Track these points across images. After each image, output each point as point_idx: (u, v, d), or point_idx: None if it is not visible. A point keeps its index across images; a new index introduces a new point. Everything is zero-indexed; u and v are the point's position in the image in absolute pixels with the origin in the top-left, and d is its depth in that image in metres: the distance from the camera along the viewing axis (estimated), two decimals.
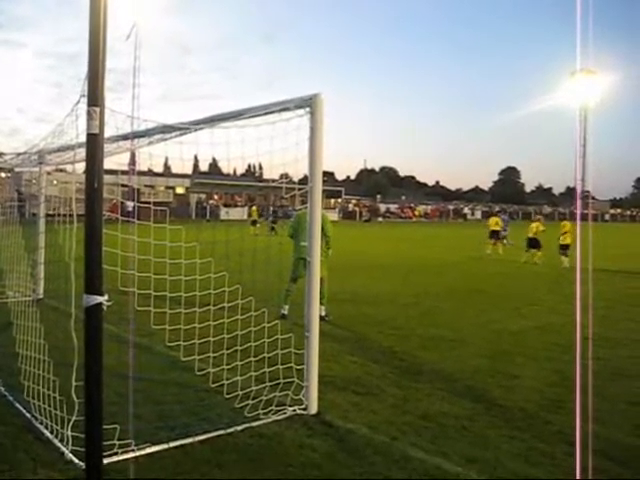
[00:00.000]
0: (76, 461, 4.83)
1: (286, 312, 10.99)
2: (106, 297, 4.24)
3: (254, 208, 46.20)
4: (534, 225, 24.87)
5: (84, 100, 4.28)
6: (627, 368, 8.27)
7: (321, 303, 9.18)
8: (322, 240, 9.58)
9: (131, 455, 5.01)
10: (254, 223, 38.98)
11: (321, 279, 8.97)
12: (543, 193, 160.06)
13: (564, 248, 22.75)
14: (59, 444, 5.15)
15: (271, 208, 57.12)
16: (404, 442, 5.56)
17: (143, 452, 5.08)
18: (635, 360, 8.79)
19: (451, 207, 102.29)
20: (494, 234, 29.49)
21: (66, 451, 5.01)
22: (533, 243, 24.36)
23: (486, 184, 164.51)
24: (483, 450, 5.42)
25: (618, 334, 10.42)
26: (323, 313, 10.71)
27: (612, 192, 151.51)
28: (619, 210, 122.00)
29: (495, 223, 30.10)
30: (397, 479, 4.83)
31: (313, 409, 6.30)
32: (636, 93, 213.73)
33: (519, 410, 6.52)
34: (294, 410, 6.21)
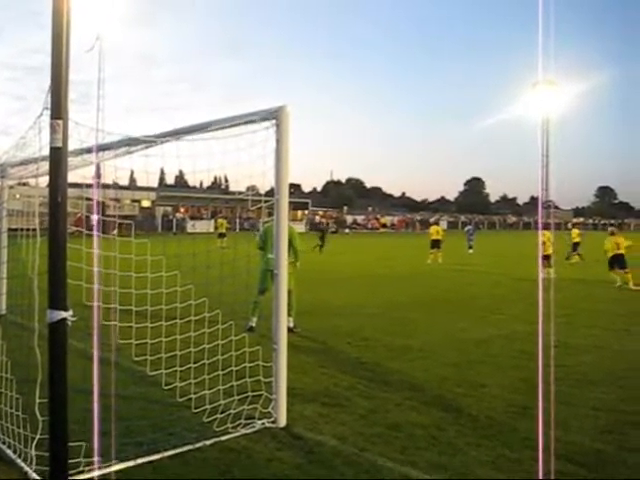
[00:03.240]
0: None
1: (254, 324, 10.91)
2: (70, 312, 4.19)
3: (221, 220, 44.31)
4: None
5: (47, 113, 4.24)
6: (591, 374, 8.41)
7: (289, 315, 9.21)
8: (290, 253, 9.63)
9: (97, 473, 4.94)
10: (221, 236, 37.48)
11: (289, 291, 8.99)
12: (508, 203, 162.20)
13: (545, 258, 21.66)
14: (22, 464, 5.04)
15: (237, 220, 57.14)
16: (373, 452, 5.57)
17: (110, 469, 5.00)
18: (598, 366, 8.94)
19: (418, 217, 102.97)
20: (435, 243, 29.72)
21: (30, 471, 4.90)
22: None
23: (452, 194, 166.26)
24: (452, 458, 5.46)
25: (581, 341, 10.58)
26: (291, 325, 10.69)
27: (575, 201, 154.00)
28: (581, 219, 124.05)
29: (436, 232, 30.31)
30: None
31: (282, 422, 6.27)
32: (597, 104, 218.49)
33: (486, 418, 6.58)
34: (263, 423, 6.18)
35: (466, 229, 43.43)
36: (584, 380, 8.05)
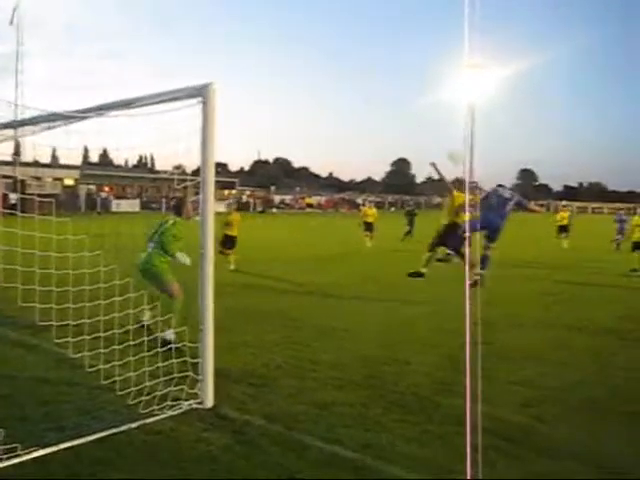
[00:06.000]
0: None
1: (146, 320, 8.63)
2: None
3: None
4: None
5: None
6: (509, 351, 8.69)
7: (169, 325, 7.93)
8: (159, 250, 8.59)
9: (17, 460, 4.79)
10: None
11: (170, 294, 8.54)
12: (433, 184, 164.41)
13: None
14: None
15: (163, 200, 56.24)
16: (300, 431, 5.61)
17: (30, 456, 4.86)
18: (515, 343, 9.24)
19: (346, 197, 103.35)
20: (368, 226, 28.27)
21: None
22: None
23: (378, 175, 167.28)
24: (378, 435, 5.55)
25: (499, 319, 10.87)
26: (168, 337, 7.74)
27: (498, 182, 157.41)
28: None
29: (371, 214, 28.96)
30: (293, 468, 4.86)
31: (209, 403, 6.23)
32: (521, 88, 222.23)
33: (412, 395, 6.71)
34: (190, 404, 6.13)
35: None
36: (503, 357, 8.30)
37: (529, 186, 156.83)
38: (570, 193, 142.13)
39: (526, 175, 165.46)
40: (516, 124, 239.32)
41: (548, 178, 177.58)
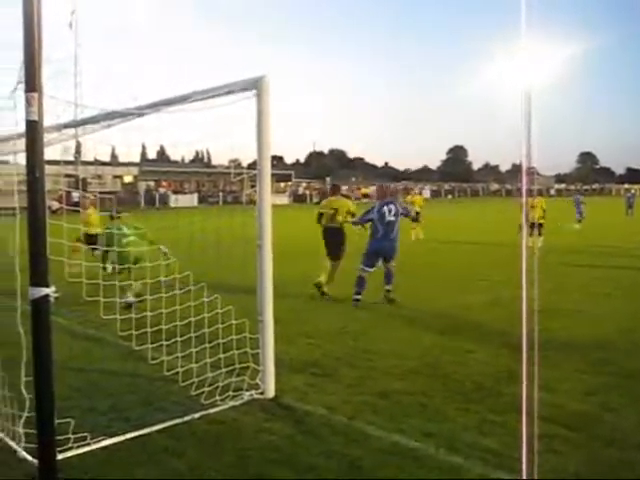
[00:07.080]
0: (30, 458, 4.71)
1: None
2: (53, 288, 4.13)
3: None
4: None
5: (21, 87, 4.14)
6: (575, 338, 8.49)
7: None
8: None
9: (86, 449, 4.93)
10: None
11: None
12: (490, 171, 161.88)
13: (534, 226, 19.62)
14: (11, 442, 5.02)
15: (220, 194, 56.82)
16: (362, 421, 5.60)
17: (99, 445, 5.00)
18: (581, 330, 9.02)
19: (400, 187, 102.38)
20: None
21: (19, 449, 4.89)
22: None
23: (434, 163, 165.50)
24: (439, 424, 5.50)
25: (567, 305, 10.66)
26: (131, 299, 8.90)
27: (557, 168, 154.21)
28: (563, 185, 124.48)
29: (417, 202, 27.02)
30: (354, 457, 4.86)
31: (270, 393, 6.29)
32: (579, 69, 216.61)
33: (472, 383, 6.63)
34: (251, 395, 6.19)
35: (575, 198, 35.23)
36: (568, 344, 8.12)
37: (589, 169, 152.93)
38: (633, 176, 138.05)
39: (586, 158, 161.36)
40: (576, 107, 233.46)
41: (610, 161, 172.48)
